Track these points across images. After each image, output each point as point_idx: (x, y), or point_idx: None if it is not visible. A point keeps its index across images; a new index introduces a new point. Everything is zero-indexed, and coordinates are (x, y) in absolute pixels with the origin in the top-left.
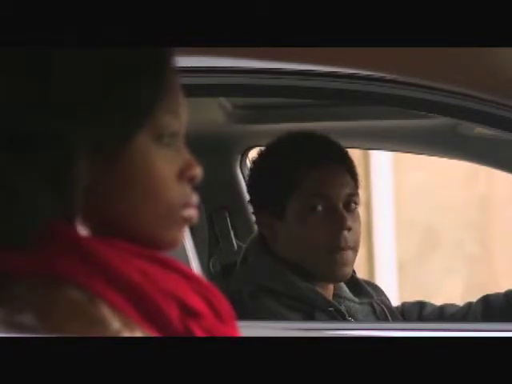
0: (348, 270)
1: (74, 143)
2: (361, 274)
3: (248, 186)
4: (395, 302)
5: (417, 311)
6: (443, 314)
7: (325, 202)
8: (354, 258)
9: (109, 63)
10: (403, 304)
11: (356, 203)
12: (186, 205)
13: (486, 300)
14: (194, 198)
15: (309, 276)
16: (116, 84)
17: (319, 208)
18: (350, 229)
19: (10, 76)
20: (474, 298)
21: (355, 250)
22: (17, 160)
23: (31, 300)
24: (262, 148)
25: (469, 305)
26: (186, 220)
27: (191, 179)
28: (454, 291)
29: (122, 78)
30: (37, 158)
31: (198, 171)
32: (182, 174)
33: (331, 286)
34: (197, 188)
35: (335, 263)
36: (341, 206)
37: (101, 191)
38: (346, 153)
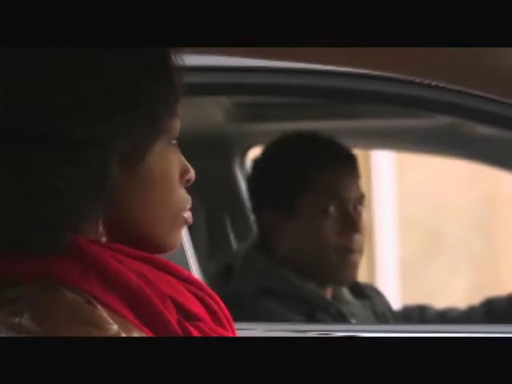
0: (356, 273)
1: (111, 149)
2: (362, 274)
3: (251, 184)
4: (397, 303)
5: (418, 315)
6: (445, 318)
7: (337, 203)
8: (361, 261)
9: (139, 75)
10: (404, 308)
11: (362, 205)
12: (186, 207)
13: (489, 304)
14: (190, 201)
15: (313, 277)
16: (144, 92)
17: (332, 209)
18: (361, 231)
19: (60, 78)
20: (477, 300)
21: (362, 252)
22: (58, 162)
23: (29, 302)
24: (268, 146)
25: (471, 309)
26: (186, 222)
27: (187, 182)
28: (457, 293)
29: (150, 87)
30: (76, 162)
31: (193, 174)
32: (182, 177)
33: (331, 288)
34: (196, 188)
35: (345, 266)
36: (352, 208)
37: (119, 194)
38: (354, 155)
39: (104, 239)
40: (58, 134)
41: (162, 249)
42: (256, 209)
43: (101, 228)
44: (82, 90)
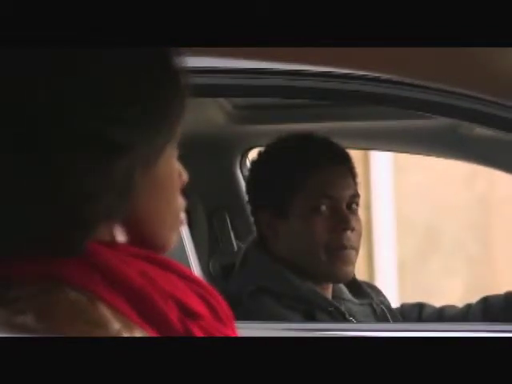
0: (351, 270)
1: (135, 150)
2: (360, 274)
3: (248, 185)
4: (395, 302)
5: (416, 313)
6: (443, 315)
7: (329, 202)
8: (356, 258)
9: (157, 76)
10: (402, 305)
11: (357, 204)
12: (182, 209)
13: (486, 301)
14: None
15: (310, 276)
16: (162, 93)
17: (323, 208)
18: (353, 229)
19: (90, 79)
20: (474, 299)
21: (357, 250)
22: (87, 163)
23: (32, 302)
24: (264, 148)
25: (468, 306)
26: (181, 223)
27: (182, 185)
28: (454, 292)
29: (168, 93)
30: (104, 163)
31: (186, 177)
32: (179, 180)
33: (330, 287)
34: (198, 188)
35: (339, 263)
36: (344, 206)
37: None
38: (348, 154)
39: (125, 239)
40: (86, 135)
41: (160, 249)
42: (254, 209)
43: (118, 229)
44: (107, 91)
